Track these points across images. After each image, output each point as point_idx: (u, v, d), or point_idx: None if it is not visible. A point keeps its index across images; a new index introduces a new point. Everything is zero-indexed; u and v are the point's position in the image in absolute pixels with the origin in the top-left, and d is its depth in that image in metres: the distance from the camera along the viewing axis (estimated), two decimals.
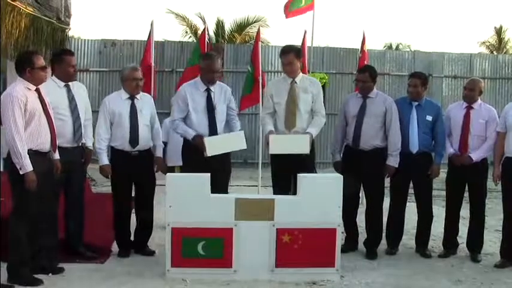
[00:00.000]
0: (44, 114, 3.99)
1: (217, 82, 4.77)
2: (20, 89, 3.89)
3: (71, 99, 4.49)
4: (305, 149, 4.57)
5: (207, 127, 4.62)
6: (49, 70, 4.43)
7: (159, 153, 4.94)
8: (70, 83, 4.54)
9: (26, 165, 3.81)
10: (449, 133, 5.05)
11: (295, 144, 4.60)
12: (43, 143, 3.97)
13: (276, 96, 4.81)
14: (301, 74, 4.92)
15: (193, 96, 4.65)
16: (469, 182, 4.97)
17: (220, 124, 4.70)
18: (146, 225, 4.85)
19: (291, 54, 4.75)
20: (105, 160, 4.71)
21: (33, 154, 3.88)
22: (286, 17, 7.96)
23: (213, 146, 4.47)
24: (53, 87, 4.41)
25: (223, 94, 4.74)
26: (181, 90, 4.75)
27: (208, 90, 4.68)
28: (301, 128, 4.73)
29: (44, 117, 3.99)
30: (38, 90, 4.01)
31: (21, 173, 3.81)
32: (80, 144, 4.58)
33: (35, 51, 4.37)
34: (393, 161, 4.91)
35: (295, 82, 4.79)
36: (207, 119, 4.64)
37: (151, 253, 4.77)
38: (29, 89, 3.96)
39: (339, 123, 5.19)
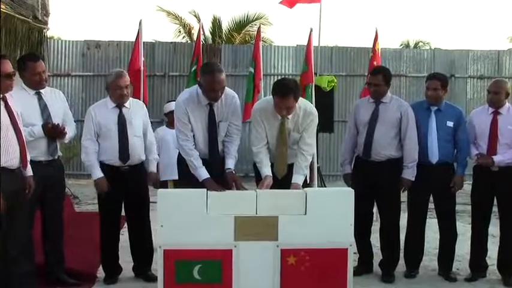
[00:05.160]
0: (11, 127, 3.91)
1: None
2: None
3: (43, 108, 4.50)
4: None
5: (207, 147, 4.47)
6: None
7: (152, 167, 4.94)
8: (42, 90, 4.55)
9: None
10: (474, 141, 5.07)
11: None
12: (11, 159, 3.90)
13: (266, 131, 4.46)
14: None
15: (194, 112, 4.41)
16: (498, 195, 4.97)
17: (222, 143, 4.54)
18: (144, 247, 4.88)
19: (290, 98, 4.21)
20: (98, 173, 4.68)
21: (0, 172, 3.79)
22: (290, 5, 8.00)
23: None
24: (22, 96, 4.40)
25: (227, 106, 4.47)
26: (181, 105, 4.45)
27: (210, 105, 4.42)
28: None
29: (12, 130, 3.91)
30: (4, 99, 3.93)
31: None
32: (57, 157, 4.60)
33: (2, 55, 4.27)
34: (409, 173, 4.93)
35: (287, 118, 4.39)
36: (207, 137, 4.47)
37: (153, 279, 4.62)
38: None
39: (348, 131, 5.21)
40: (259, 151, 4.43)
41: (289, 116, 4.37)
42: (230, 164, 4.42)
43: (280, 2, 8.05)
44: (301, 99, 4.50)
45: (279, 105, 4.28)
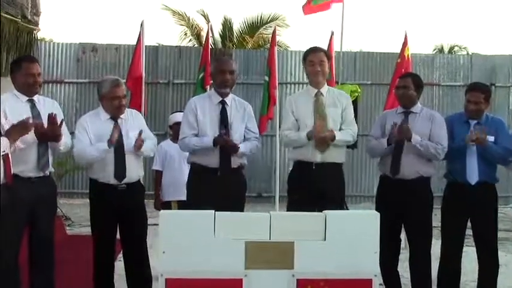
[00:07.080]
0: None
1: (234, 97, 4.85)
2: None
3: (36, 116, 4.52)
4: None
5: (218, 150, 4.60)
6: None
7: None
8: (35, 98, 4.60)
9: None
10: None
11: None
12: None
13: (298, 113, 4.90)
14: (326, 85, 5.07)
15: (204, 110, 4.70)
16: None
17: None
18: (141, 274, 4.88)
19: (321, 52, 4.94)
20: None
21: None
22: (305, 12, 8.07)
23: None
24: (14, 103, 4.46)
25: (241, 110, 4.79)
26: (190, 103, 4.83)
27: (223, 103, 4.74)
28: (334, 150, 4.85)
29: None
30: None
31: None
32: (48, 173, 4.60)
33: None
34: (417, 138, 4.85)
35: (322, 94, 4.93)
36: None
37: None
38: None
39: (374, 137, 5.18)
40: (287, 133, 4.88)
41: (323, 92, 4.91)
42: (241, 146, 4.69)
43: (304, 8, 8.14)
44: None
45: (312, 62, 4.89)
